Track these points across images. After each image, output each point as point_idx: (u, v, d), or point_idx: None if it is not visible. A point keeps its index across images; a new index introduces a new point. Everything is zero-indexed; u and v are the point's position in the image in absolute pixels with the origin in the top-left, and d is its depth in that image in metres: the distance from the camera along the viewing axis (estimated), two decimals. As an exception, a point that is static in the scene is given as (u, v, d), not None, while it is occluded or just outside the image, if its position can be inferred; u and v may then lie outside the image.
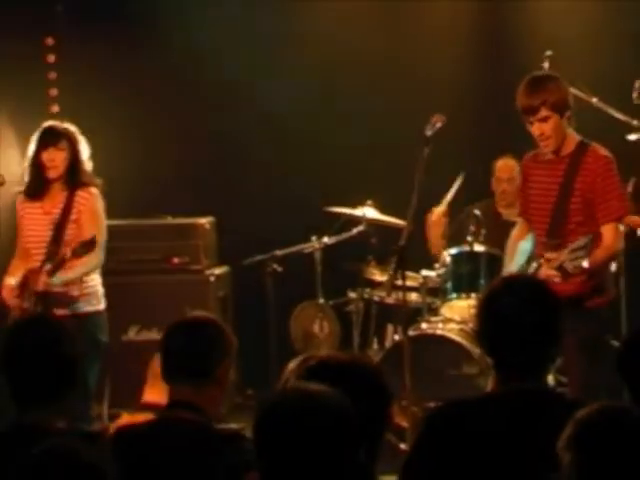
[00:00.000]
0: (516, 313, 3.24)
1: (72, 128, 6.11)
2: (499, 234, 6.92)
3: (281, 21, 8.13)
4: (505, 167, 7.48)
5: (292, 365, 3.27)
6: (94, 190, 6.04)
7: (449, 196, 6.96)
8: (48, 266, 5.78)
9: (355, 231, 7.27)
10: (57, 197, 6.02)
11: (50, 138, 5.99)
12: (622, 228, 5.35)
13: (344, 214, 7.25)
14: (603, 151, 5.34)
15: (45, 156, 5.97)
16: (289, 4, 8.13)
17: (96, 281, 6.04)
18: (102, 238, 5.96)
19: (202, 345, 3.50)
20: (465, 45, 8.11)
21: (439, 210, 6.94)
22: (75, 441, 2.64)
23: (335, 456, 2.49)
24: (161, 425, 3.45)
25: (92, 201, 6.00)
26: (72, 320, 5.61)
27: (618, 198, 5.27)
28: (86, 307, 5.91)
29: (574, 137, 5.37)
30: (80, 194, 5.99)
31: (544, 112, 5.29)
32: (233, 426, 5.19)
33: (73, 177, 6.01)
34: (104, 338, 6.04)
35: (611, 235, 5.24)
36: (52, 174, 5.98)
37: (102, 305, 6.03)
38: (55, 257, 5.82)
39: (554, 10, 7.92)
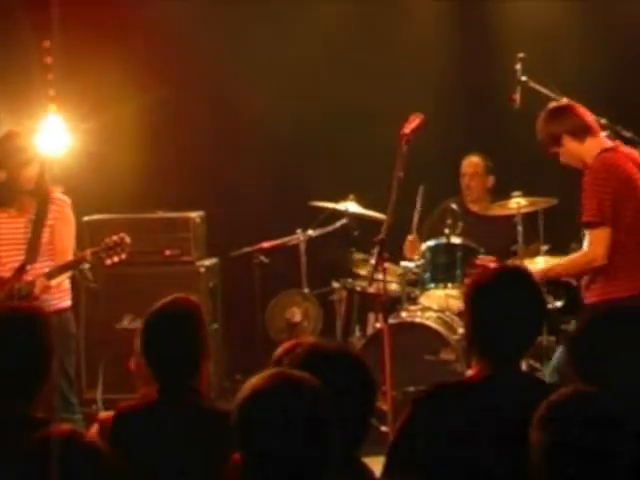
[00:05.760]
0: (508, 304, 3.24)
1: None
2: (472, 227, 6.96)
3: (266, 21, 8.08)
4: (469, 164, 7.50)
5: (281, 350, 3.24)
6: (67, 198, 5.95)
7: (415, 219, 7.00)
8: (46, 270, 5.71)
9: (338, 224, 7.27)
10: (26, 202, 5.86)
11: (27, 154, 5.78)
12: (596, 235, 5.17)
13: (328, 208, 7.24)
14: (595, 161, 5.22)
15: (24, 172, 5.78)
16: (273, 5, 8.07)
17: (67, 279, 5.98)
18: (72, 244, 5.92)
19: (187, 343, 3.46)
20: (445, 45, 8.08)
21: (410, 239, 7.02)
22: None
23: (315, 440, 2.47)
24: (161, 406, 3.42)
25: (67, 209, 5.92)
26: (52, 317, 5.56)
27: (585, 206, 5.17)
28: (61, 304, 5.87)
29: (597, 147, 5.27)
30: (55, 201, 5.87)
31: (550, 150, 5.36)
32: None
33: (41, 184, 5.86)
34: (75, 330, 6.07)
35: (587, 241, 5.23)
36: (28, 186, 5.82)
37: (70, 301, 6.00)
38: (34, 260, 5.74)
39: (527, 12, 7.92)
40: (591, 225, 5.15)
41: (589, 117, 5.39)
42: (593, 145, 5.29)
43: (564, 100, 5.58)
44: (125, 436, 3.34)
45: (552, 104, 5.54)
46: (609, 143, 5.36)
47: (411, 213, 6.95)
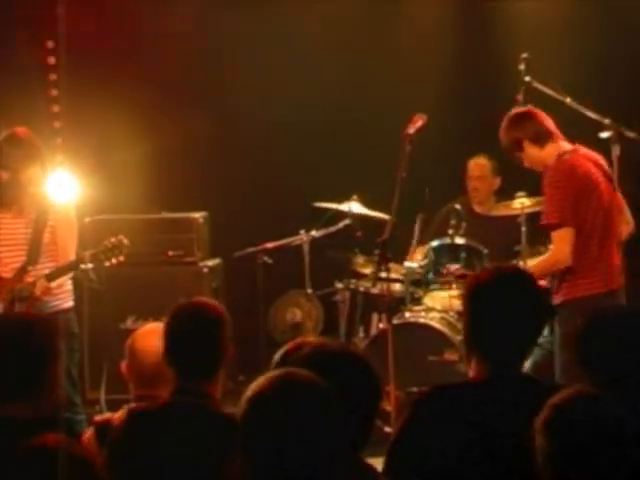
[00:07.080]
0: (507, 306, 3.20)
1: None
2: (476, 228, 6.95)
3: (267, 24, 8.08)
4: (476, 166, 7.47)
5: (282, 351, 3.23)
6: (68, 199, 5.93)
7: (414, 246, 7.07)
8: (47, 271, 5.70)
9: (341, 224, 7.25)
10: (28, 202, 5.83)
11: (33, 155, 5.76)
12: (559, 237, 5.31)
13: (331, 208, 7.23)
14: (553, 164, 5.37)
15: (26, 173, 5.75)
16: (274, 7, 8.07)
17: (68, 279, 5.96)
18: (74, 245, 5.90)
19: (212, 345, 3.46)
20: (447, 46, 8.09)
21: (412, 257, 7.05)
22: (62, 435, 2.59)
23: (319, 442, 2.45)
24: (173, 408, 3.40)
25: (69, 210, 5.89)
26: (56, 317, 5.55)
27: (545, 209, 5.34)
28: (63, 304, 5.86)
29: (556, 151, 5.42)
30: (57, 201, 5.84)
31: (512, 155, 5.55)
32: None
33: (43, 184, 5.82)
34: (77, 331, 6.04)
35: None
36: (30, 186, 5.79)
37: (72, 301, 5.98)
38: (35, 261, 5.72)
39: (531, 12, 7.92)
40: (551, 227, 5.31)
41: (549, 123, 5.54)
42: (553, 150, 5.45)
43: (527, 106, 5.68)
44: (137, 437, 3.32)
45: (513, 110, 5.67)
46: (568, 146, 5.49)
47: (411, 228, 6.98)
